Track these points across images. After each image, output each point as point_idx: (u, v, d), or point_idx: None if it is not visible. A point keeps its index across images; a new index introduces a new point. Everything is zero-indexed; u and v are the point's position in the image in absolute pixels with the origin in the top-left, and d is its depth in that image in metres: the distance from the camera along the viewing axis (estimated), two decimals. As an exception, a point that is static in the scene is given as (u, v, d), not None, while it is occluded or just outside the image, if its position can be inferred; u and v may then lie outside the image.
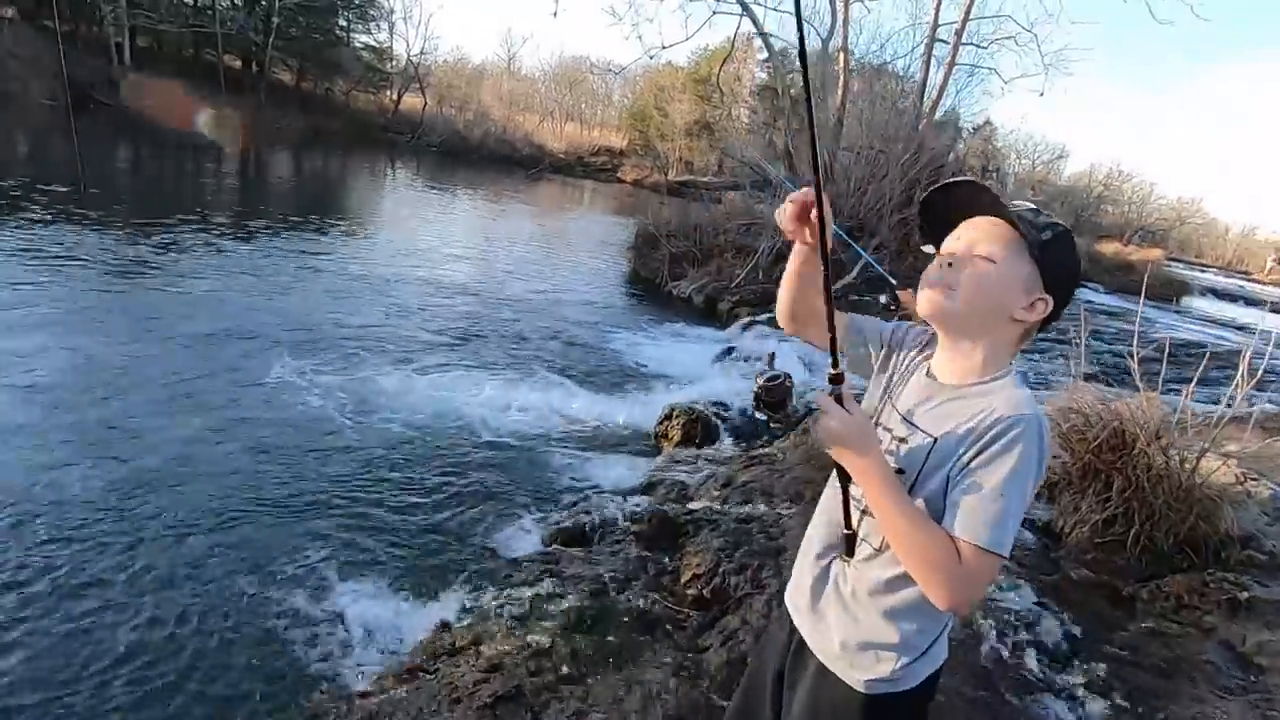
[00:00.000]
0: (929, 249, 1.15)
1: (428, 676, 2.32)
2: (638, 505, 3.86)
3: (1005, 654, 2.48)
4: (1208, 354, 4.14)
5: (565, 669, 2.29)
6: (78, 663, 2.42)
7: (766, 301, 9.44)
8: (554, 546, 3.53)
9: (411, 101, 31.71)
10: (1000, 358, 1.09)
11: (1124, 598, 2.93)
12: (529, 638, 2.47)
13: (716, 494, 3.92)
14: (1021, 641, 2.54)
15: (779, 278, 1.25)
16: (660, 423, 5.14)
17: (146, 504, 3.41)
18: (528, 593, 2.87)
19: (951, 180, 1.11)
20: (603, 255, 12.93)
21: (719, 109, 29.23)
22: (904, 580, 1.07)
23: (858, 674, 1.14)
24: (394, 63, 32.20)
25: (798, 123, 14.53)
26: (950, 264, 1.08)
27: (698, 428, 5.01)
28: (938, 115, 16.12)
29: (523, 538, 3.70)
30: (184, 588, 2.88)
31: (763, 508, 3.59)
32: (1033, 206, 1.08)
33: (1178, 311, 13.28)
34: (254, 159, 17.97)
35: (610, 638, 2.49)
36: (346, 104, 29.62)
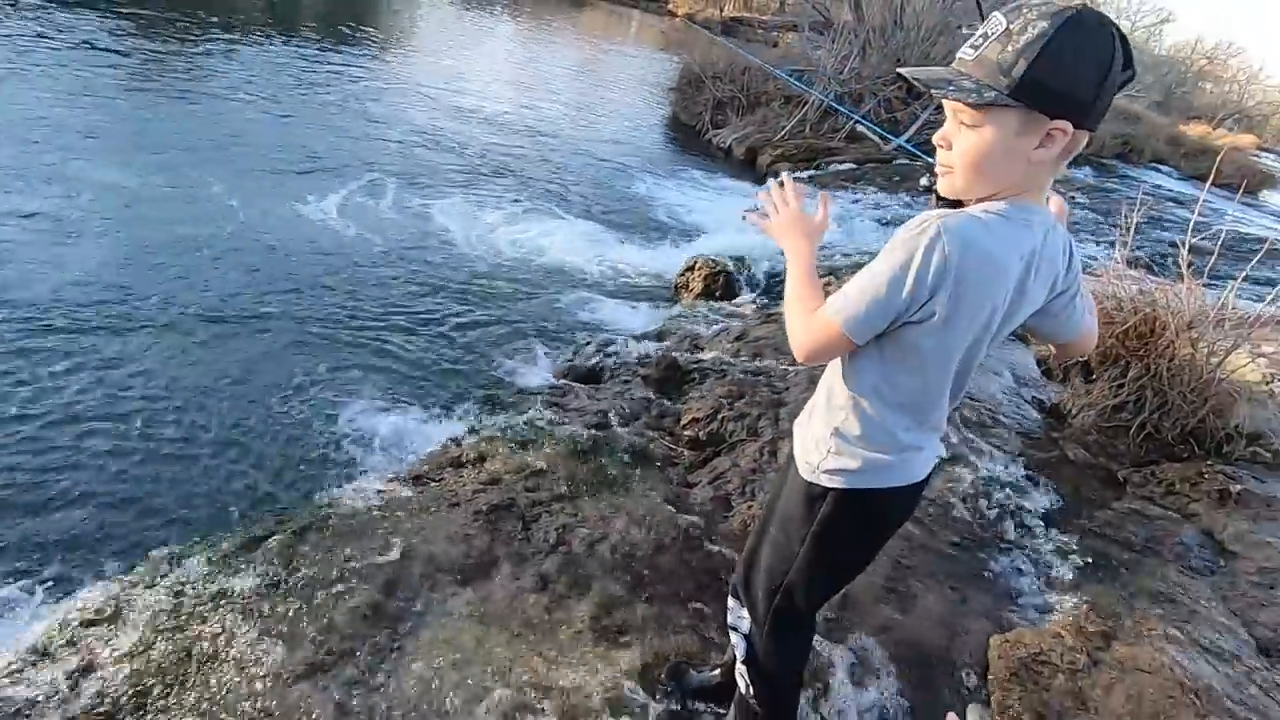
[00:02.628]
0: None
1: (432, 483, 2.48)
2: (649, 350, 3.91)
3: (986, 515, 2.56)
4: (1266, 248, 3.88)
5: (559, 489, 2.43)
6: (92, 459, 2.61)
7: (810, 158, 8.94)
8: (564, 381, 3.63)
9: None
10: (1021, 190, 1.02)
11: (1116, 480, 2.96)
12: (529, 459, 2.60)
13: (728, 346, 3.94)
14: (1004, 507, 2.61)
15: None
16: (682, 273, 5.08)
17: (163, 311, 3.53)
18: (534, 419, 2.99)
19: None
20: (644, 95, 12.20)
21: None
22: (840, 380, 1.14)
23: (802, 459, 1.21)
24: None
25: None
26: (941, 144, 1.04)
27: (719, 281, 4.95)
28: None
29: (534, 370, 3.81)
30: (204, 393, 3.04)
31: (771, 362, 3.61)
32: (1000, 27, 0.93)
33: (1251, 204, 12.37)
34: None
35: (606, 466, 2.61)
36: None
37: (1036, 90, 0.91)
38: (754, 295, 5.03)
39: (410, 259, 4.65)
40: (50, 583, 2.05)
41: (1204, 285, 3.39)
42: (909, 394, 1.09)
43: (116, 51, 6.91)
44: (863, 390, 1.11)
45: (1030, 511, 2.64)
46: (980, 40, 0.95)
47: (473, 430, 3.01)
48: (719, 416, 2.99)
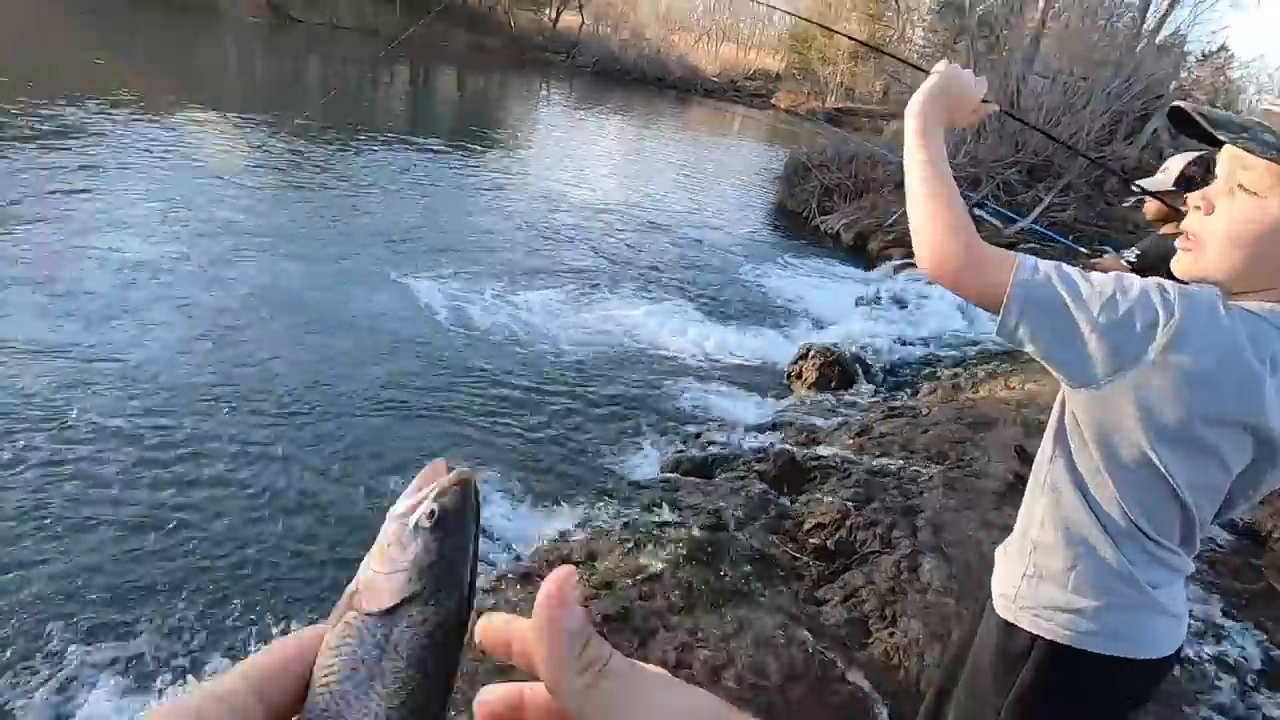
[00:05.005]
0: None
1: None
2: (763, 443, 3.71)
3: (1187, 670, 2.13)
4: None
5: (675, 598, 2.24)
6: (190, 536, 2.71)
7: (924, 243, 8.63)
8: (674, 474, 3.48)
9: (569, 20, 31.62)
10: None
11: (1346, 623, 2.43)
12: (642, 561, 2.44)
13: (850, 442, 3.68)
14: (1208, 658, 2.17)
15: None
16: (795, 362, 4.90)
17: (273, 397, 3.71)
18: (645, 516, 2.85)
19: (1173, 105, 0.83)
20: (750, 184, 12.42)
21: (890, 29, 26.56)
22: (1053, 494, 0.93)
23: (999, 590, 1.01)
24: (554, -23, 32.11)
25: (983, 45, 12.85)
26: (1200, 206, 0.83)
27: (834, 370, 4.72)
28: (1162, 35, 13.65)
29: (644, 462, 3.70)
30: (307, 478, 3.15)
31: (900, 462, 3.32)
32: None
33: None
34: (422, 76, 18.80)
35: (724, 573, 2.41)
36: (508, 21, 30.10)
37: None
38: (874, 387, 4.76)
39: (517, 349, 4.74)
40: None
41: None
42: (1139, 520, 0.87)
43: (280, 161, 7.80)
44: (1080, 510, 0.90)
45: (1241, 662, 2.19)
46: None
47: (582, 524, 2.90)
48: (846, 523, 2.73)
